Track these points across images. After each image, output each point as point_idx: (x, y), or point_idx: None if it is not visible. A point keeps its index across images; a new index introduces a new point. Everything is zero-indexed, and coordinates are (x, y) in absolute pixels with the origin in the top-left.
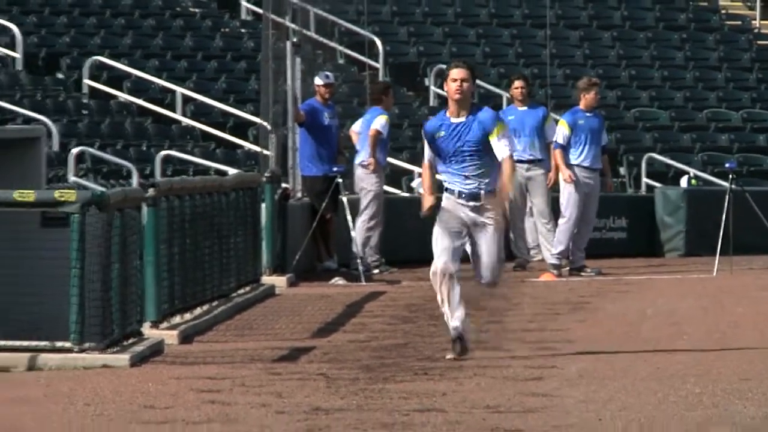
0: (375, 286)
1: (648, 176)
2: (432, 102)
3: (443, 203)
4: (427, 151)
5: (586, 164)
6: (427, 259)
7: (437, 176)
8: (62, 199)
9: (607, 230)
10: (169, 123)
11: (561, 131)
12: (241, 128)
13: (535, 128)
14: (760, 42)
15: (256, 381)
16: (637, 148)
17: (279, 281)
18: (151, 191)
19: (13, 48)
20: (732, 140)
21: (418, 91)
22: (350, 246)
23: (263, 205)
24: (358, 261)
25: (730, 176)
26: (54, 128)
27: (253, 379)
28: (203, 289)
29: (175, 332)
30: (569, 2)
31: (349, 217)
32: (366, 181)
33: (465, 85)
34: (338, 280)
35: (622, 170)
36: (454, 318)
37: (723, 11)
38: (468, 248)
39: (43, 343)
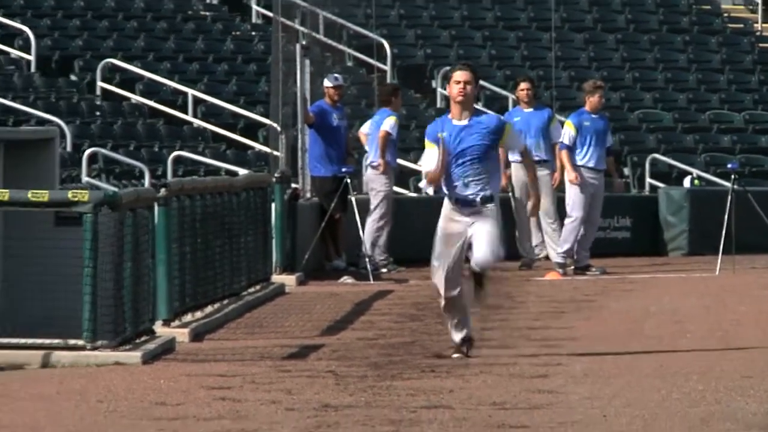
0: (383, 284)
1: (652, 177)
2: (439, 104)
3: (442, 211)
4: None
5: (590, 165)
6: None
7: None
8: (75, 199)
9: (612, 230)
10: (181, 124)
11: (567, 132)
12: (251, 129)
13: (540, 129)
14: (761, 45)
15: (266, 378)
16: (641, 149)
17: (289, 280)
18: (162, 191)
19: (27, 51)
20: (734, 141)
21: (425, 92)
22: (359, 245)
23: (273, 205)
24: (367, 260)
25: (733, 177)
26: (67, 129)
27: (263, 376)
28: (214, 287)
29: (186, 330)
30: (574, 6)
31: (357, 217)
32: (376, 182)
33: (468, 87)
34: (347, 279)
35: (627, 171)
36: (456, 335)
37: (725, 14)
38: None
39: (56, 341)
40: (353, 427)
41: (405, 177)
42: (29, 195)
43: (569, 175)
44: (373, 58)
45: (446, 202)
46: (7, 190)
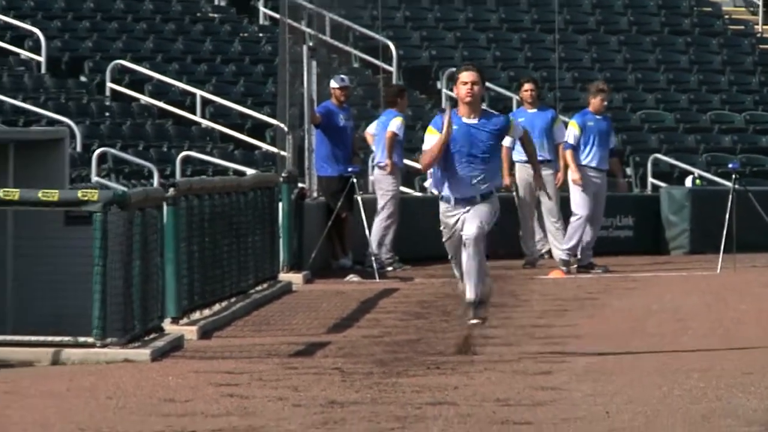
0: (388, 283)
1: (654, 176)
2: (444, 104)
3: (441, 217)
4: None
5: (593, 165)
6: (439, 256)
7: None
8: (85, 198)
9: (614, 229)
10: (189, 125)
11: (572, 132)
12: (258, 130)
13: (544, 130)
14: (762, 46)
15: (273, 375)
16: (643, 149)
17: (296, 278)
18: (171, 191)
19: (37, 52)
20: (735, 141)
21: (430, 93)
22: (365, 244)
23: (280, 205)
24: (373, 259)
25: (734, 176)
26: (77, 130)
27: (270, 373)
28: (222, 286)
29: (194, 328)
30: (577, 8)
31: (363, 216)
32: (383, 183)
33: (476, 87)
34: (353, 277)
35: (629, 170)
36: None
37: (726, 16)
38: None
39: (66, 339)
40: (359, 424)
41: (411, 177)
42: (39, 194)
43: (573, 175)
44: (378, 59)
45: (442, 205)
46: (17, 190)
